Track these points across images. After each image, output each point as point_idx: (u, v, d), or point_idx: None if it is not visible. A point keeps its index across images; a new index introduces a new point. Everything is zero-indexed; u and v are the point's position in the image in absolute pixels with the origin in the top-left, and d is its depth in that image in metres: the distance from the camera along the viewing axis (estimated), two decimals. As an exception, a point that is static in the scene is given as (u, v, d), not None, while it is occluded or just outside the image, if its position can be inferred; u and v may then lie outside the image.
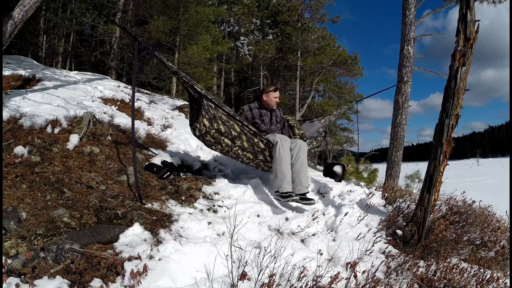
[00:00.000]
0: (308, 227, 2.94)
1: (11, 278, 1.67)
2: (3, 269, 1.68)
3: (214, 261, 1.97)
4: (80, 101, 4.30)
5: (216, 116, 3.09)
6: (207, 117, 3.05)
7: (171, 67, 3.09)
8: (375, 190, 4.36)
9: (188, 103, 3.77)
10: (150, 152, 3.74)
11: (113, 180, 2.91)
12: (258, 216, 2.97)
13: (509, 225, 3.94)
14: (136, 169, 2.75)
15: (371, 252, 2.45)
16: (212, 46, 12.18)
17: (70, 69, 11.23)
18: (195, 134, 3.21)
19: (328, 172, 4.95)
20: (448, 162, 2.93)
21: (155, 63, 11.21)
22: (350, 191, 4.00)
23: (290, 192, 3.18)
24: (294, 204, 3.35)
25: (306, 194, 3.28)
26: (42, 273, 1.76)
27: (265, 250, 1.98)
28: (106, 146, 3.41)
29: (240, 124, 3.21)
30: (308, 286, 1.87)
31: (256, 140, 3.29)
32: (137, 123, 4.34)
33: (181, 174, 3.50)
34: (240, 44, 20.87)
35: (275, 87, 3.73)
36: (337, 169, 4.78)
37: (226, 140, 3.19)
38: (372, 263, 2.19)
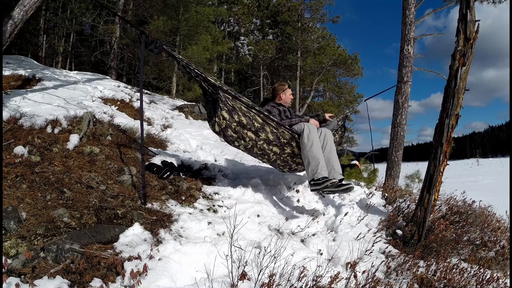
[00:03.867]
0: (308, 227, 2.94)
1: (11, 278, 1.67)
2: (3, 269, 1.68)
3: (214, 261, 1.97)
4: (80, 101, 4.30)
5: (235, 107, 2.83)
6: (226, 109, 2.80)
7: (182, 59, 2.89)
8: (375, 190, 4.36)
9: (188, 103, 3.75)
10: (150, 152, 3.74)
11: (113, 180, 2.91)
12: (258, 216, 2.97)
13: (509, 225, 3.94)
14: (144, 170, 2.72)
15: (371, 252, 2.45)
16: (212, 46, 12.18)
17: (70, 69, 11.23)
18: (214, 130, 2.93)
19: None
20: (448, 162, 2.93)
21: (156, 62, 11.22)
22: (350, 191, 4.00)
23: (326, 177, 2.90)
24: (331, 195, 3.21)
25: (342, 181, 3.05)
26: (42, 273, 1.76)
27: (265, 250, 1.98)
28: (106, 146, 3.41)
29: (262, 115, 2.96)
30: (308, 286, 1.87)
31: (281, 130, 3.05)
32: (137, 123, 4.34)
33: (181, 174, 3.50)
34: (240, 44, 20.88)
35: (289, 85, 3.69)
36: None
37: (249, 133, 2.92)
38: (372, 263, 2.19)
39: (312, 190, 3.00)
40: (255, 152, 3.11)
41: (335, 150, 3.25)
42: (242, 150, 3.16)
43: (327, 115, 3.76)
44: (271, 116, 3.02)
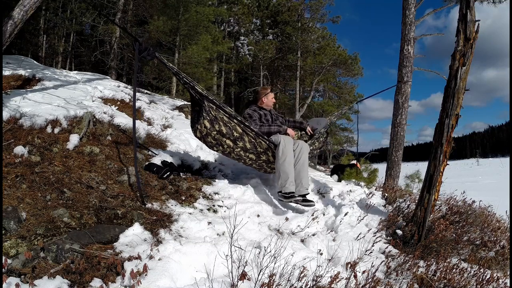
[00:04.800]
0: (308, 227, 2.94)
1: (11, 278, 1.67)
2: (3, 269, 1.68)
3: (214, 261, 1.97)
4: (80, 101, 4.30)
5: (217, 117, 3.07)
6: (208, 118, 3.03)
7: (172, 67, 3.07)
8: (375, 190, 4.36)
9: (188, 103, 3.77)
10: (150, 152, 3.74)
11: (113, 180, 2.91)
12: (258, 216, 2.97)
13: (509, 225, 3.94)
14: (137, 170, 2.74)
15: (371, 252, 2.45)
16: (212, 46, 12.18)
17: (70, 69, 11.23)
18: (196, 136, 3.20)
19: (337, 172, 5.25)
20: (448, 162, 2.92)
21: (156, 63, 11.21)
22: (350, 191, 4.00)
23: (292, 192, 3.18)
24: (294, 204, 3.35)
25: (306, 196, 3.30)
26: (42, 273, 1.76)
27: (265, 250, 1.98)
28: (106, 146, 3.41)
29: (242, 126, 3.19)
30: (308, 286, 1.87)
31: (258, 140, 3.27)
32: (137, 123, 4.34)
33: (181, 174, 3.50)
34: (240, 44, 20.87)
35: (271, 88, 3.84)
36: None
37: (227, 141, 3.16)
38: (372, 263, 2.19)
39: (279, 200, 3.28)
40: (232, 156, 3.36)
41: (307, 164, 3.45)
42: (220, 153, 3.45)
43: (308, 128, 3.94)
44: (251, 127, 3.24)
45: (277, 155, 3.25)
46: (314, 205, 3.28)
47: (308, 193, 3.39)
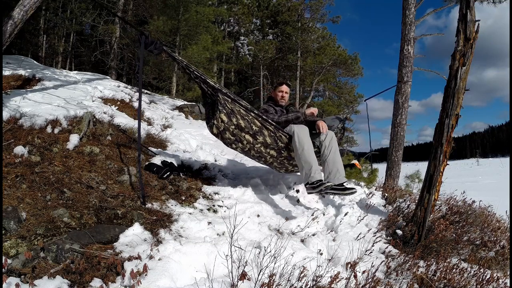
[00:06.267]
0: (308, 227, 2.94)
1: (11, 278, 1.67)
2: (3, 269, 1.68)
3: (214, 261, 1.97)
4: (80, 101, 4.30)
5: (234, 110, 2.84)
6: (225, 112, 2.80)
7: (181, 61, 2.89)
8: (375, 190, 4.36)
9: (188, 103, 3.75)
10: (150, 152, 3.74)
11: (113, 180, 2.91)
12: (258, 216, 2.97)
13: (509, 225, 3.94)
14: (140, 170, 2.74)
15: (371, 252, 2.45)
16: (212, 46, 12.18)
17: (70, 69, 11.23)
18: (212, 132, 2.95)
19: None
20: (448, 162, 2.92)
21: (156, 62, 11.21)
22: (350, 191, 4.00)
23: (320, 180, 2.89)
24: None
25: (345, 184, 3.03)
26: (42, 273, 1.76)
27: (265, 250, 1.98)
28: (106, 146, 3.41)
29: (260, 119, 2.97)
30: (308, 286, 1.87)
31: (278, 134, 3.06)
32: (137, 123, 4.34)
33: (181, 174, 3.50)
34: (240, 44, 20.88)
35: (281, 81, 3.63)
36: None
37: (247, 136, 2.93)
38: (372, 263, 2.19)
39: (308, 193, 2.98)
40: (252, 154, 3.13)
41: (339, 152, 3.21)
42: (239, 152, 3.17)
43: (307, 111, 3.71)
44: (269, 120, 3.02)
45: (294, 146, 3.00)
46: (356, 191, 3.00)
47: (346, 181, 3.11)
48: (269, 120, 3.02)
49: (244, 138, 2.94)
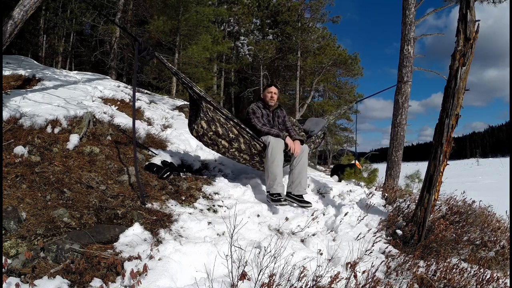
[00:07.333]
0: (308, 227, 2.94)
1: (11, 278, 1.67)
2: (3, 269, 1.68)
3: (214, 261, 1.97)
4: (80, 101, 4.29)
5: (214, 118, 3.14)
6: (205, 119, 3.10)
7: (171, 68, 3.12)
8: (375, 190, 4.36)
9: (188, 103, 3.77)
10: (150, 152, 3.74)
11: (113, 180, 2.91)
12: (258, 216, 2.97)
13: (509, 225, 3.94)
14: (137, 170, 2.74)
15: (371, 252, 2.45)
16: (212, 46, 12.18)
17: (70, 69, 11.23)
18: (192, 134, 3.29)
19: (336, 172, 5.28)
20: (448, 162, 2.92)
21: (156, 63, 11.21)
22: (350, 191, 4.00)
23: (279, 194, 3.13)
24: (279, 206, 3.32)
25: (304, 196, 3.36)
26: (42, 273, 1.76)
27: (265, 250, 1.98)
28: (106, 146, 3.41)
29: (238, 127, 3.25)
30: (308, 286, 1.87)
31: (253, 142, 3.34)
32: (137, 123, 4.34)
33: (181, 174, 3.50)
34: (240, 44, 20.87)
35: (270, 82, 3.81)
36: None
37: (223, 142, 3.24)
38: (372, 263, 2.19)
39: (268, 201, 3.23)
40: (227, 155, 3.46)
41: (307, 166, 3.48)
42: (216, 152, 3.51)
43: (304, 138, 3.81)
44: (247, 129, 3.30)
45: (266, 156, 3.27)
46: (311, 206, 3.32)
47: (306, 193, 3.43)
48: (247, 129, 3.31)
49: (220, 143, 3.26)
